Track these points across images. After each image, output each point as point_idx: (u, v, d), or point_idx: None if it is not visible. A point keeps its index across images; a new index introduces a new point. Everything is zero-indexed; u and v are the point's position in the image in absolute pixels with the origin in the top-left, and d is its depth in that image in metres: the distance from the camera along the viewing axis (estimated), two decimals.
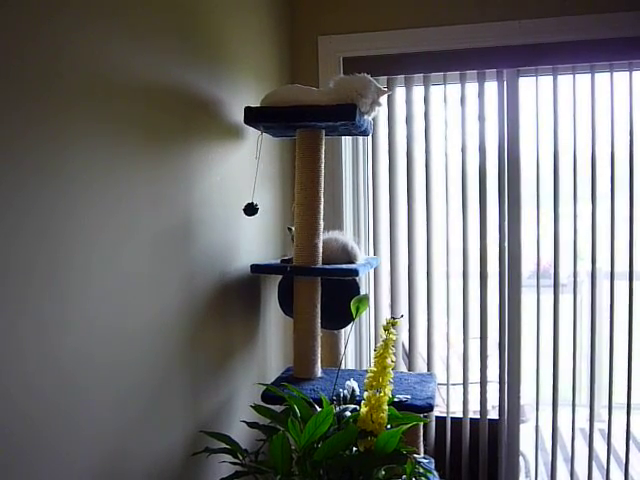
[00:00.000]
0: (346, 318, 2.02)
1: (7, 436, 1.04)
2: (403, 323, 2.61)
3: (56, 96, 1.15)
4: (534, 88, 2.44)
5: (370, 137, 2.58)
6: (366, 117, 1.94)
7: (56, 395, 1.15)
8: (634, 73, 2.34)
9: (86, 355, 1.24)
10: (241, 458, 1.49)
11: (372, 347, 2.70)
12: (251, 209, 1.91)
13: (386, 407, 1.48)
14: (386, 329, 1.51)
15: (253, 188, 1.98)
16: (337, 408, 1.57)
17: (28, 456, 1.09)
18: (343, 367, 2.39)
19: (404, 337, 2.68)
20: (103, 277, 1.29)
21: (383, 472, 1.44)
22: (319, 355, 2.03)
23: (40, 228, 1.11)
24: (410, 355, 2.67)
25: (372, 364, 1.51)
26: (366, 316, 2.69)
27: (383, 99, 1.96)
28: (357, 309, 1.59)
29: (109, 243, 1.31)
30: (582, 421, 2.69)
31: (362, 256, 2.14)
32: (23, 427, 1.08)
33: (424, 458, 1.62)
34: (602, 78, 2.38)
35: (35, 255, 1.11)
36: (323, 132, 1.97)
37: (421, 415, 1.70)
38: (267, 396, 1.84)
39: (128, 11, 1.39)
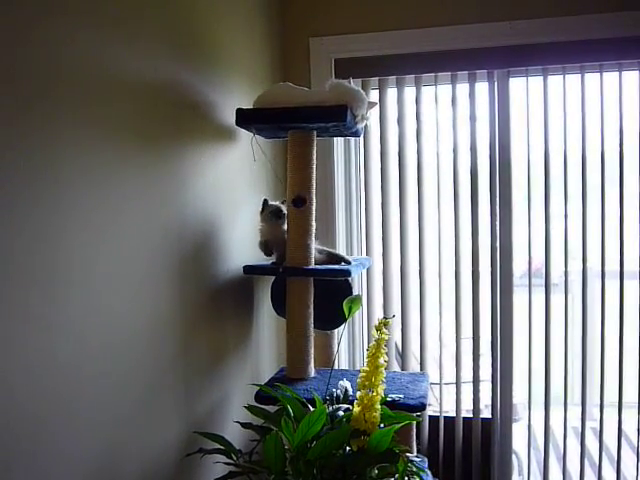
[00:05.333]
0: (339, 318, 2.02)
1: (11, 431, 1.06)
2: (396, 323, 2.62)
3: (51, 100, 1.16)
4: (524, 88, 2.46)
5: (362, 138, 2.59)
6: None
7: (52, 394, 1.16)
8: (624, 73, 2.36)
9: (82, 356, 1.24)
10: (235, 458, 1.49)
11: (365, 347, 2.70)
12: (301, 201, 1.97)
13: (379, 406, 1.49)
14: (378, 329, 1.51)
15: (285, 187, 2.04)
16: (330, 408, 1.58)
17: (28, 451, 1.10)
18: (336, 367, 2.39)
19: (397, 337, 2.69)
20: (100, 279, 1.30)
21: (376, 471, 1.45)
22: (312, 355, 2.03)
23: (39, 232, 1.13)
24: (403, 355, 2.67)
25: (365, 364, 1.51)
26: (359, 316, 2.70)
27: (371, 112, 1.99)
28: (350, 309, 1.60)
29: (105, 245, 1.32)
30: (574, 419, 2.70)
31: (350, 257, 2.15)
32: (26, 423, 1.09)
33: (417, 457, 1.62)
34: (592, 78, 2.39)
35: (35, 257, 1.12)
36: (314, 133, 1.97)
37: (414, 414, 1.71)
38: (260, 396, 1.84)
39: (121, 15, 1.39)
